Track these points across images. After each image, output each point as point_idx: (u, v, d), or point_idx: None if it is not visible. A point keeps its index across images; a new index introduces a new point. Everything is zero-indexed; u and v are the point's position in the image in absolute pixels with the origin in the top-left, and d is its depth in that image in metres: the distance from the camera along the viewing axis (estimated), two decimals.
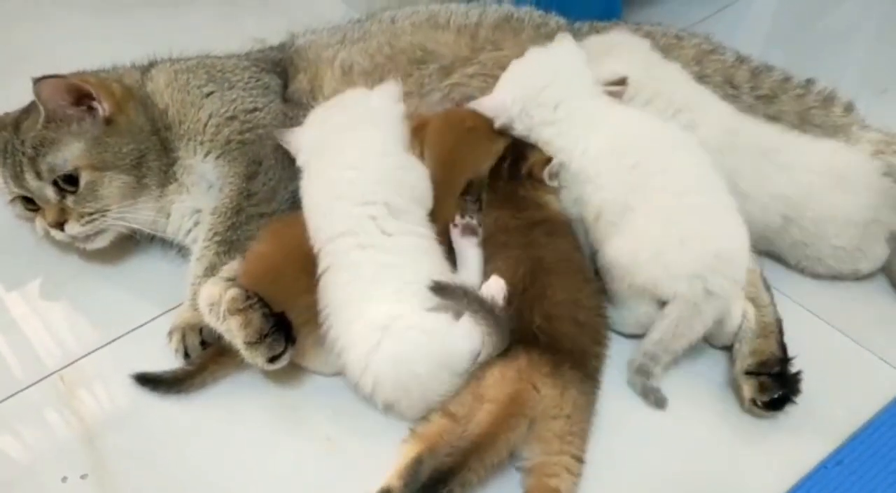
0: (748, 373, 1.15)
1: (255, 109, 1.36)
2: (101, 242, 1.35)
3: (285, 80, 1.45)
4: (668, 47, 1.45)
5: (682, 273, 1.14)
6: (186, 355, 1.21)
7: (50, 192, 1.31)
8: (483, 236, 1.22)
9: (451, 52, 1.45)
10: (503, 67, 1.35)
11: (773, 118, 1.39)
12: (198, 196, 1.36)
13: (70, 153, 1.29)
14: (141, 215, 1.33)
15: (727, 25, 1.92)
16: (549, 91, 1.29)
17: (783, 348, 1.17)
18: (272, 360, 1.13)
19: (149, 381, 1.19)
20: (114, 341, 1.29)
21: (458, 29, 1.47)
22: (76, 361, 1.26)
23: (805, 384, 1.15)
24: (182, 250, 1.39)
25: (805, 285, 1.32)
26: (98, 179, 1.30)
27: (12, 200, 1.37)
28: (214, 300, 1.16)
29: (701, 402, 1.18)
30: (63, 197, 1.31)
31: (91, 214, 1.30)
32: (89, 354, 1.27)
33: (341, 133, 1.25)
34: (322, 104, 1.34)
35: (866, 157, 1.34)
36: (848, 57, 1.85)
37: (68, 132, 1.30)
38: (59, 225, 1.30)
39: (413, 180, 1.23)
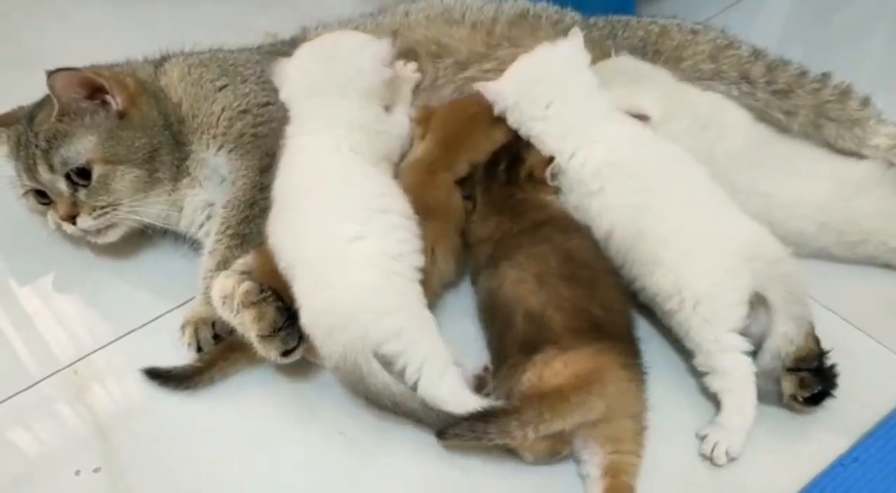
0: (787, 369, 1.12)
1: (268, 103, 1.35)
2: (113, 236, 1.35)
3: None
4: (683, 44, 1.44)
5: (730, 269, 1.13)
6: (199, 348, 1.20)
7: (62, 185, 1.31)
8: (491, 244, 1.22)
9: (467, 47, 1.44)
10: None
11: (789, 113, 1.38)
12: (211, 190, 1.36)
13: (83, 146, 1.29)
14: (153, 210, 1.34)
15: (743, 19, 1.90)
16: (542, 87, 1.28)
17: (818, 341, 1.15)
18: (285, 354, 1.13)
19: (159, 376, 1.19)
20: (126, 334, 1.29)
21: (474, 24, 1.46)
22: (89, 355, 1.26)
23: None
24: (194, 244, 1.39)
25: (821, 281, 1.29)
26: (110, 173, 1.30)
27: (25, 194, 1.37)
28: (228, 293, 1.16)
29: (713, 399, 1.16)
30: (75, 190, 1.31)
31: (103, 207, 1.30)
32: (102, 348, 1.27)
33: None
34: (311, 41, 1.36)
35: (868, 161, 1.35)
36: (864, 50, 1.83)
37: (81, 125, 1.30)
38: (71, 218, 1.31)
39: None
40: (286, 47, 1.48)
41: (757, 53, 1.43)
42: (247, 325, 1.13)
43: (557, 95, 1.28)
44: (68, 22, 1.94)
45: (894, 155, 1.33)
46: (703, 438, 1.10)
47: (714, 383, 1.12)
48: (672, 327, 1.18)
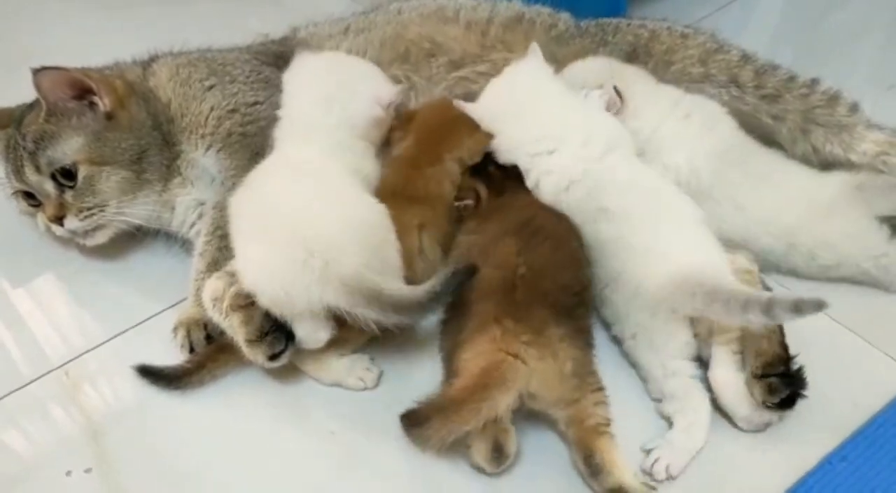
0: (755, 376, 1.13)
1: (257, 103, 1.36)
2: (101, 238, 1.35)
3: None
4: (673, 48, 1.44)
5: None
6: (192, 350, 1.21)
7: (49, 186, 1.31)
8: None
9: (461, 46, 1.44)
10: None
11: (777, 118, 1.38)
12: (202, 189, 1.36)
13: (69, 147, 1.29)
14: (141, 211, 1.34)
15: (733, 21, 1.90)
16: (503, 110, 1.30)
17: (785, 347, 1.15)
18: (272, 358, 1.13)
19: (150, 374, 1.19)
20: (118, 335, 1.29)
21: (468, 24, 1.47)
22: (80, 355, 1.27)
23: (809, 381, 1.13)
24: (186, 245, 1.39)
25: (807, 281, 1.31)
26: (96, 174, 1.30)
27: (14, 195, 1.38)
28: (217, 296, 1.16)
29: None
30: (62, 192, 1.31)
31: (89, 208, 1.30)
32: (94, 349, 1.27)
33: None
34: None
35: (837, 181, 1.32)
36: (855, 53, 1.83)
37: (68, 126, 1.30)
38: (59, 220, 1.31)
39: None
40: (276, 46, 1.49)
41: (746, 58, 1.43)
42: (235, 328, 1.13)
43: (521, 121, 1.29)
44: (60, 23, 1.95)
45: (881, 162, 1.33)
46: (647, 452, 1.10)
47: (665, 409, 1.13)
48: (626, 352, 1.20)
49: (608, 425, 1.07)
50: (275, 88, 1.37)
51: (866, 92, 1.47)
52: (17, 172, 1.32)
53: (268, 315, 1.11)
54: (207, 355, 1.20)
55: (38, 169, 1.30)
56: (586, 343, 1.12)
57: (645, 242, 1.16)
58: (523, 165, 1.27)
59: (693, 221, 1.19)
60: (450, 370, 1.09)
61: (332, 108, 1.28)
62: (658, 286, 1.12)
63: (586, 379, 1.08)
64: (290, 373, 1.20)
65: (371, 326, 1.09)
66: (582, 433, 1.06)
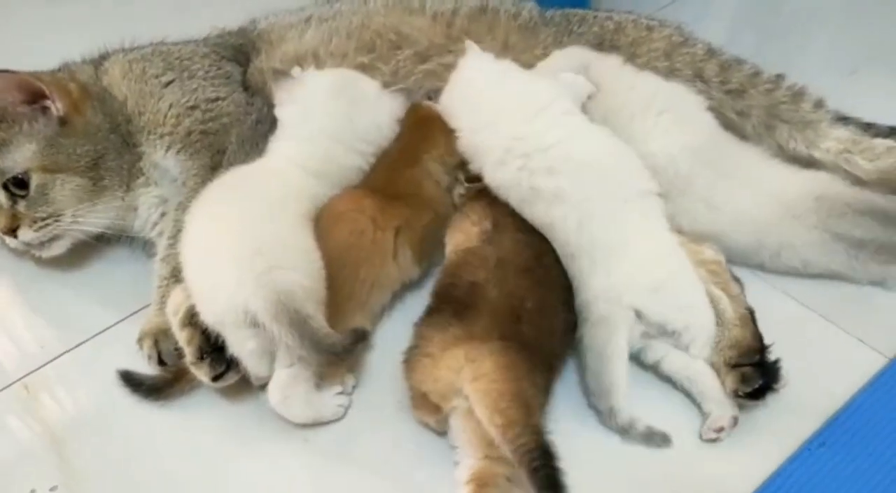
0: (729, 365, 1.13)
1: (218, 99, 1.31)
2: (58, 249, 1.29)
3: (245, 66, 1.41)
4: (638, 41, 1.42)
5: None
6: (161, 361, 1.16)
7: (1, 197, 1.25)
8: None
9: (427, 37, 1.42)
10: None
11: (742, 114, 1.37)
12: (165, 187, 1.32)
13: (21, 155, 1.23)
14: (101, 219, 1.28)
15: (694, 10, 1.88)
16: (456, 111, 1.28)
17: (759, 337, 1.16)
18: (215, 379, 1.10)
19: (131, 382, 1.15)
20: (78, 345, 1.24)
21: (434, 15, 1.44)
22: (40, 368, 1.22)
23: (783, 368, 1.13)
24: (148, 247, 1.34)
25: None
26: (49, 182, 1.24)
27: None
28: (176, 309, 1.13)
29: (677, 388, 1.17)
30: (14, 202, 1.25)
31: (44, 219, 1.25)
32: (53, 360, 1.23)
33: None
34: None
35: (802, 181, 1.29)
36: (816, 39, 1.84)
37: (19, 132, 1.24)
38: (12, 232, 1.25)
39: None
40: (235, 39, 1.45)
41: (711, 52, 1.42)
42: (182, 345, 1.11)
43: (467, 115, 1.27)
44: (4, 19, 1.87)
45: (843, 160, 1.33)
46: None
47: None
48: None
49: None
50: (236, 83, 1.34)
51: (828, 78, 1.47)
52: None
53: (208, 337, 1.08)
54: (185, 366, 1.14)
55: None
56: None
57: (586, 232, 1.14)
58: (471, 158, 1.25)
59: (643, 209, 1.17)
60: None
61: (344, 127, 1.26)
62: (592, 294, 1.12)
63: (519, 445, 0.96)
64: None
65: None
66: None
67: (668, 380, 1.16)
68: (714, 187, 1.27)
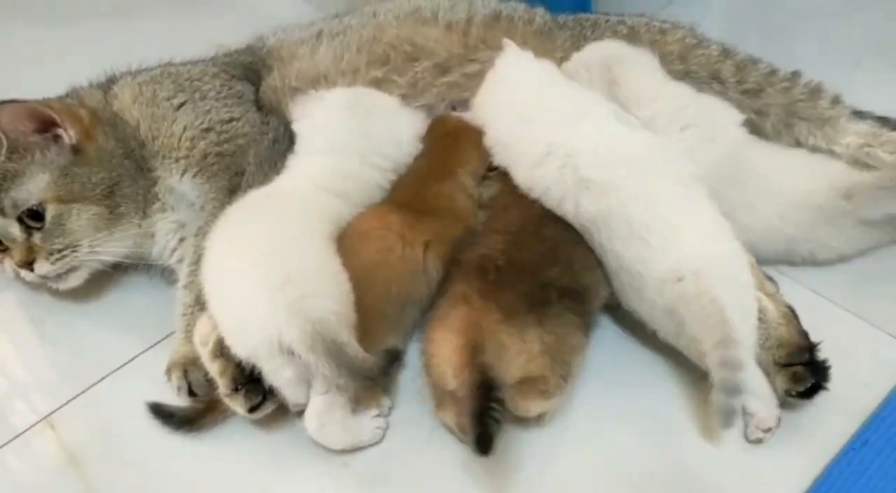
0: (779, 365, 1.12)
1: (232, 119, 1.28)
2: (75, 280, 1.26)
3: (257, 84, 1.38)
4: (652, 44, 1.40)
5: None
6: (191, 392, 1.13)
7: (15, 229, 1.21)
8: None
9: (444, 48, 1.40)
10: None
11: (760, 113, 1.37)
12: (182, 211, 1.28)
13: (34, 186, 1.20)
14: (119, 248, 1.25)
15: (695, 9, 1.87)
16: (492, 115, 1.27)
17: (805, 334, 1.15)
18: (252, 410, 1.08)
19: (161, 414, 1.12)
20: (102, 379, 1.21)
21: (448, 24, 1.42)
22: (64, 404, 1.18)
23: None
24: (167, 273, 1.31)
25: (810, 267, 1.30)
26: (65, 212, 1.21)
27: None
28: (205, 340, 1.10)
29: None
30: (30, 234, 1.21)
31: (60, 250, 1.21)
32: (77, 396, 1.19)
33: None
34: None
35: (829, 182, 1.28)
36: (818, 33, 1.83)
37: (32, 162, 1.21)
38: (28, 265, 1.21)
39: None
40: (244, 57, 1.42)
41: (726, 52, 1.41)
42: (215, 377, 1.08)
43: (503, 118, 1.25)
44: (6, 44, 1.82)
45: (864, 154, 1.33)
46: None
47: None
48: None
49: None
50: (249, 102, 1.32)
51: (832, 72, 1.45)
52: None
53: (242, 367, 1.05)
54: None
55: (2, 212, 1.20)
56: (561, 337, 1.06)
57: (638, 219, 1.11)
58: (503, 161, 1.23)
59: (691, 193, 1.14)
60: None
61: (360, 141, 1.24)
62: (655, 275, 1.08)
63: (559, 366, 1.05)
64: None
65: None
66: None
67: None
68: (738, 206, 1.24)
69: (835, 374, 1.14)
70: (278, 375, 1.04)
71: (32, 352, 1.27)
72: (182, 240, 1.29)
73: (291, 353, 1.01)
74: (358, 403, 1.09)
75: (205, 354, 1.09)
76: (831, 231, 1.27)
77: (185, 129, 1.26)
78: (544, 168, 1.18)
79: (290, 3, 1.94)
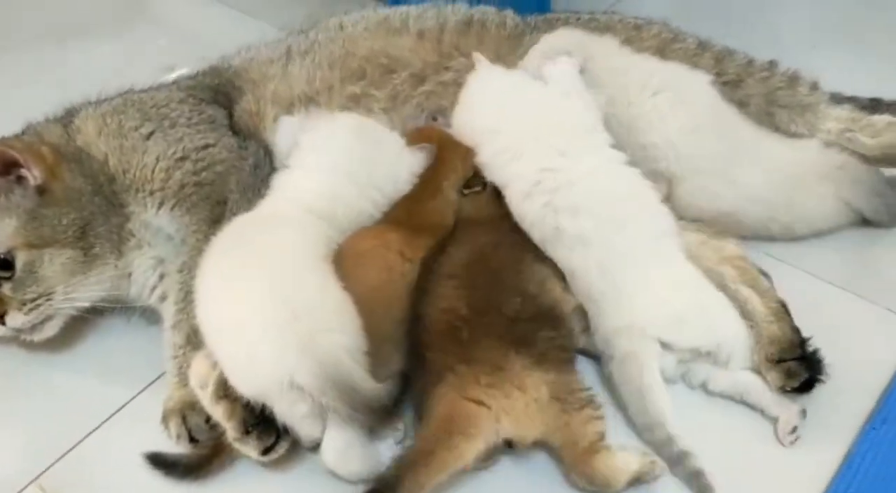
0: (771, 361, 1.11)
1: (207, 146, 1.22)
2: (51, 330, 1.17)
3: (229, 108, 1.32)
4: (629, 40, 1.39)
5: None
6: (192, 438, 1.06)
7: None
8: None
9: (419, 58, 1.36)
10: None
11: (741, 103, 1.36)
12: (159, 247, 1.21)
13: (1, 232, 1.11)
14: (95, 292, 1.17)
15: (644, 2, 1.89)
16: (473, 128, 1.25)
17: (797, 330, 1.15)
18: (265, 452, 1.02)
19: (163, 464, 1.05)
20: (90, 433, 1.13)
21: (420, 33, 1.38)
22: (52, 464, 1.10)
23: (828, 350, 1.12)
24: (147, 313, 1.24)
25: (803, 248, 1.31)
26: (37, 259, 1.12)
27: None
28: (203, 382, 1.03)
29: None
30: None
31: (34, 300, 1.12)
32: (66, 454, 1.11)
33: None
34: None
35: (816, 152, 1.32)
36: (771, 19, 1.86)
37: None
38: (0, 318, 1.12)
39: None
40: (209, 79, 1.35)
41: (703, 45, 1.41)
42: (221, 421, 1.02)
43: (489, 134, 1.23)
44: None
45: (846, 139, 1.35)
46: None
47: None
48: None
49: (602, 439, 1.01)
50: (223, 127, 1.26)
51: (791, 56, 1.47)
52: None
53: (251, 407, 0.99)
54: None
55: None
56: (561, 363, 1.05)
57: (595, 285, 1.11)
58: (497, 179, 1.21)
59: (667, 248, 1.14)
60: (419, 416, 1.04)
61: (361, 170, 1.18)
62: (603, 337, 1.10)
63: (569, 400, 1.02)
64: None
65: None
66: (577, 455, 1.01)
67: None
68: (726, 162, 1.27)
69: (840, 354, 1.14)
70: (292, 411, 0.99)
71: (11, 408, 1.18)
72: (162, 277, 1.21)
73: (303, 390, 0.97)
74: (374, 431, 1.04)
75: (206, 397, 1.03)
76: (811, 201, 1.29)
77: (157, 159, 1.19)
78: (531, 202, 1.16)
79: (237, 21, 1.88)
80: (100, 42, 1.79)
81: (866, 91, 1.45)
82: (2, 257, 1.11)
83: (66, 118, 1.26)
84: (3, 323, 1.12)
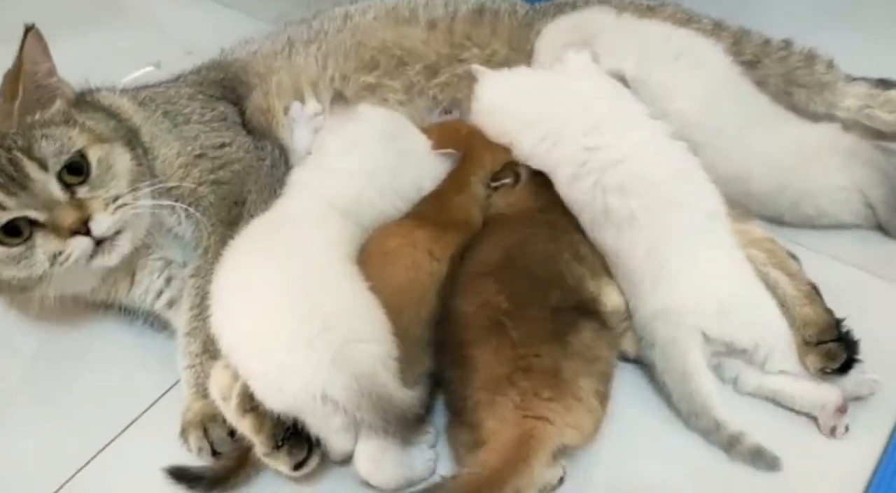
0: (810, 344, 1.09)
1: (223, 145, 1.16)
2: (124, 246, 1.06)
3: (238, 105, 1.26)
4: None
5: None
6: (214, 452, 1.01)
7: (55, 188, 1.02)
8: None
9: (432, 50, 1.32)
10: (497, 65, 1.27)
11: (760, 83, 1.34)
12: (167, 246, 1.15)
13: (67, 139, 1.03)
14: (148, 209, 1.08)
15: None
16: (500, 127, 1.23)
17: (830, 311, 1.13)
18: (297, 467, 0.97)
19: (186, 477, 0.99)
20: (104, 448, 1.07)
21: (430, 23, 1.34)
22: (66, 483, 1.04)
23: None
24: (150, 320, 1.18)
25: (827, 233, 1.29)
26: (109, 153, 1.05)
27: None
28: (226, 393, 0.98)
29: None
30: (73, 193, 1.03)
31: (116, 198, 1.04)
32: (78, 471, 1.05)
33: None
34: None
35: (832, 132, 1.31)
36: (775, 1, 1.86)
37: (53, 107, 1.07)
38: (84, 223, 1.01)
39: None
40: (213, 73, 1.29)
41: (718, 25, 1.39)
42: (248, 435, 0.97)
43: (521, 129, 1.20)
44: None
45: (865, 116, 1.34)
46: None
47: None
48: None
49: None
50: (236, 125, 1.20)
51: (794, 37, 1.45)
52: (9, 184, 1.00)
53: (280, 420, 0.94)
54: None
55: (42, 165, 1.02)
56: (600, 364, 1.02)
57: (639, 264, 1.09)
58: (543, 167, 1.18)
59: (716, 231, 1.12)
60: (462, 418, 0.99)
61: (387, 173, 1.15)
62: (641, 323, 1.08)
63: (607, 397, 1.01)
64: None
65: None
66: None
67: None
68: (742, 125, 1.26)
69: (869, 338, 1.11)
70: (328, 423, 0.94)
71: (19, 427, 1.11)
72: (169, 280, 1.15)
73: (336, 403, 0.93)
74: (407, 440, 1.00)
75: (230, 410, 0.97)
76: (819, 177, 1.27)
77: (178, 154, 1.13)
78: (580, 185, 1.13)
79: (221, 15, 1.83)
80: (79, 38, 1.71)
81: (871, 73, 1.42)
82: (73, 160, 1.03)
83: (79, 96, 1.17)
84: (88, 232, 1.02)
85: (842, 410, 1.06)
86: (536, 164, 1.18)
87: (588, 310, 1.05)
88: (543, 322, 1.00)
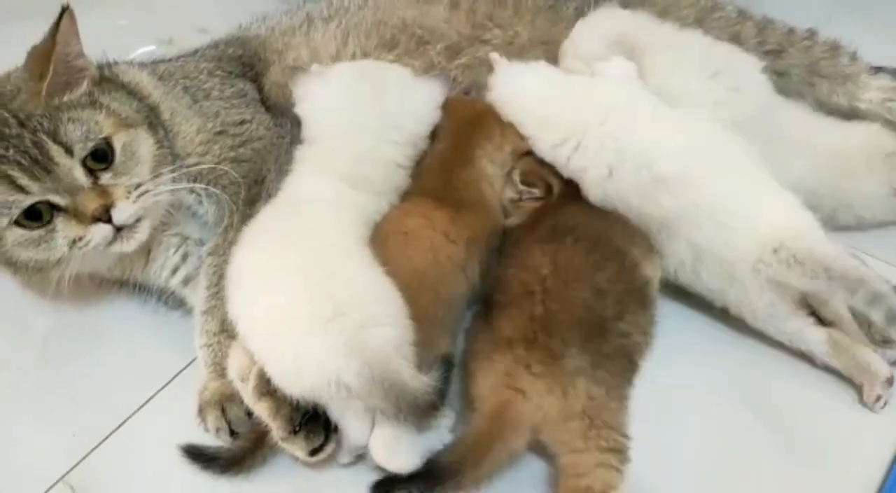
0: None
1: (244, 122, 1.14)
2: (143, 233, 1.05)
3: (256, 82, 1.24)
4: (666, 9, 1.35)
5: None
6: (232, 432, 1.00)
7: (80, 173, 1.00)
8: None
9: (454, 29, 1.30)
10: (519, 48, 1.26)
11: (782, 74, 1.33)
12: (186, 223, 1.13)
13: (93, 124, 1.02)
14: (167, 195, 1.07)
15: None
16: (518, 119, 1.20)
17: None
18: (313, 453, 0.96)
19: (202, 457, 0.98)
20: (118, 427, 1.06)
21: (452, 2, 1.31)
22: (80, 462, 1.03)
23: None
24: (164, 297, 1.17)
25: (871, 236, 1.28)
26: (134, 139, 1.04)
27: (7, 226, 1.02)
28: (244, 374, 0.97)
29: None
30: (96, 178, 1.01)
31: (138, 186, 1.03)
32: (93, 450, 1.04)
33: None
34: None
35: (865, 137, 1.28)
36: None
37: (78, 91, 1.05)
38: (106, 210, 1.00)
39: None
40: (232, 49, 1.27)
41: (743, 13, 1.37)
42: (265, 419, 0.96)
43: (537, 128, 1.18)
44: None
45: (887, 109, 1.32)
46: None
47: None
48: None
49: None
50: (256, 102, 1.18)
51: (806, 27, 1.44)
52: (34, 167, 0.98)
53: (298, 405, 0.93)
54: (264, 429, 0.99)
55: (68, 150, 1.00)
56: (617, 380, 0.97)
57: (718, 205, 1.07)
58: (565, 173, 1.16)
59: (757, 169, 1.11)
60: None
61: (369, 115, 1.11)
62: (747, 256, 1.05)
63: (601, 432, 0.94)
64: None
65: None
66: (573, 488, 0.93)
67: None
68: (770, 156, 1.19)
69: None
70: (348, 407, 0.93)
71: (32, 407, 1.11)
72: (186, 257, 1.14)
73: (351, 389, 0.91)
74: (421, 426, 0.98)
75: (247, 392, 0.97)
76: (856, 189, 1.25)
77: (198, 131, 1.11)
78: (618, 179, 1.11)
79: None
80: (83, 16, 1.69)
81: (884, 63, 1.40)
82: (98, 147, 1.02)
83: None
84: (110, 219, 1.01)
85: (890, 381, 1.05)
86: (559, 168, 1.15)
87: (639, 295, 1.05)
88: (577, 305, 0.98)
